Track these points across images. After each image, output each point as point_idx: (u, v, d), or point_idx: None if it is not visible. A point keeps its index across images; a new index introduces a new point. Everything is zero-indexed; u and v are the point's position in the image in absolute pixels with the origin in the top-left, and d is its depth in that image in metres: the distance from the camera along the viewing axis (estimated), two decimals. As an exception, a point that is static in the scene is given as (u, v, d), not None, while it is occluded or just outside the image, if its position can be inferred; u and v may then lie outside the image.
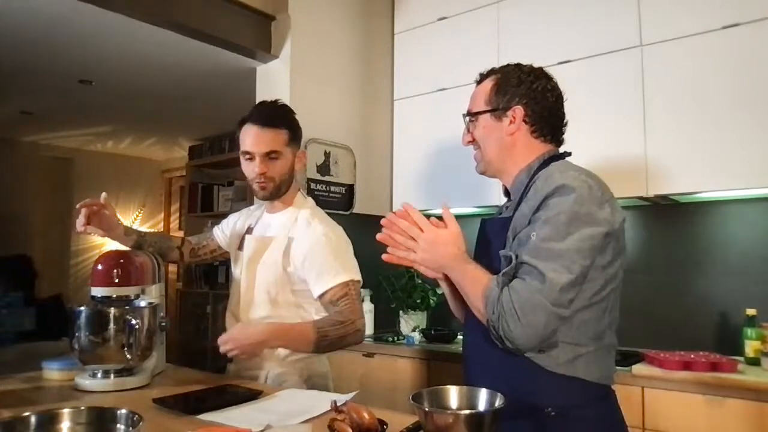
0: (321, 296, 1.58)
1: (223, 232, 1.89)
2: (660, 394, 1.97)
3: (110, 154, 6.00)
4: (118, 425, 0.95)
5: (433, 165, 2.95)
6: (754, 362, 2.04)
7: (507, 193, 1.33)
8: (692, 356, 2.04)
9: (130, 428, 0.93)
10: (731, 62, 2.14)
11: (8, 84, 3.72)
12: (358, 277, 1.61)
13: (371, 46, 3.22)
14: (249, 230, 1.79)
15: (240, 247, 1.77)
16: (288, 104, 1.77)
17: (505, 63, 1.35)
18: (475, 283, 1.16)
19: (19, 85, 3.79)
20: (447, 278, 1.26)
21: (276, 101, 1.73)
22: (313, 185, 2.84)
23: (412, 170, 3.04)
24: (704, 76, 2.19)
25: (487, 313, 1.12)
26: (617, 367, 2.08)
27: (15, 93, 3.98)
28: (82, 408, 1.00)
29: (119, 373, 1.50)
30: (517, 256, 1.12)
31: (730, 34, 2.14)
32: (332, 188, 2.96)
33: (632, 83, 2.35)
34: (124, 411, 0.96)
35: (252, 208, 1.89)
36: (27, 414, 0.95)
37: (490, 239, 1.25)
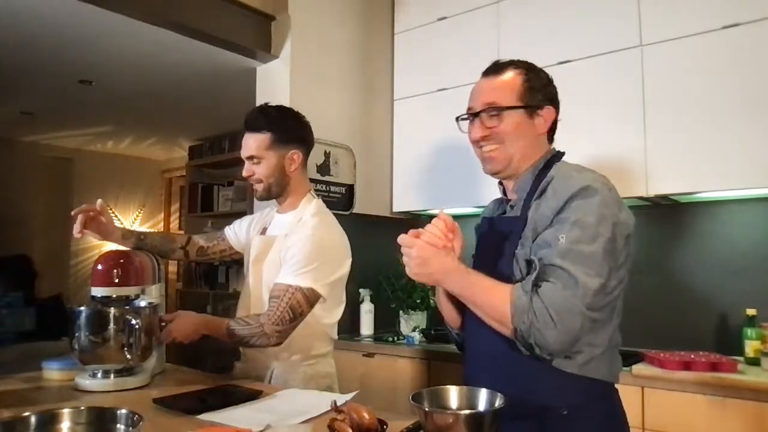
0: (274, 285, 1.60)
1: (235, 234, 1.90)
2: (660, 394, 1.97)
3: (110, 154, 6.00)
4: (118, 425, 0.95)
5: (433, 165, 2.95)
6: (754, 362, 2.04)
7: (504, 192, 1.32)
8: (692, 356, 2.04)
9: (130, 428, 0.93)
10: (731, 62, 2.14)
11: (8, 84, 3.72)
12: (311, 285, 1.55)
13: (371, 46, 3.22)
14: (263, 232, 1.80)
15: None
16: (286, 105, 1.79)
17: (508, 59, 1.33)
18: (493, 293, 1.10)
19: (19, 85, 3.79)
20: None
21: (266, 105, 1.75)
22: (313, 185, 2.83)
23: (412, 170, 3.04)
24: (704, 76, 2.19)
25: (515, 323, 1.06)
26: (617, 367, 2.09)
27: (15, 93, 3.98)
28: (82, 408, 1.00)
29: (119, 373, 1.50)
30: (539, 260, 1.09)
31: (730, 34, 2.14)
32: (332, 188, 2.96)
33: (632, 83, 2.35)
34: (124, 411, 0.96)
35: (267, 210, 1.90)
36: (27, 414, 0.94)
37: (499, 238, 1.21)
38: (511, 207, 1.28)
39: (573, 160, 1.29)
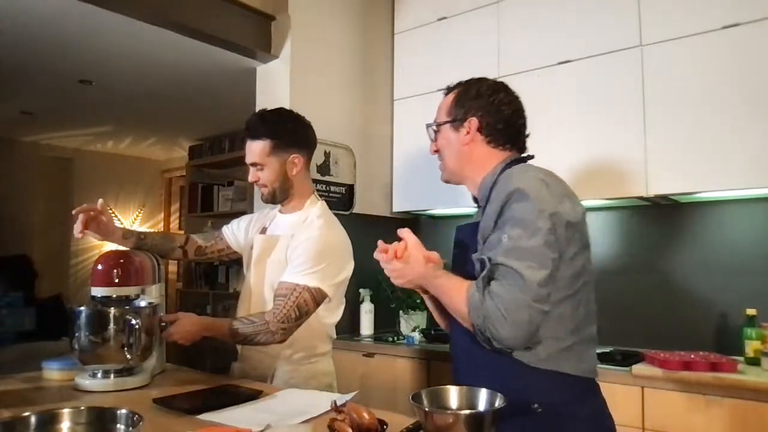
0: (279, 284, 1.62)
1: (233, 233, 1.90)
2: (660, 394, 1.97)
3: (110, 154, 6.00)
4: (118, 425, 0.95)
5: (432, 165, 2.92)
6: (754, 362, 2.04)
7: (475, 199, 1.38)
8: (692, 356, 2.04)
9: (130, 428, 0.93)
10: (731, 62, 2.14)
11: (8, 84, 3.72)
12: (318, 285, 1.59)
13: (371, 46, 3.22)
14: (263, 231, 1.81)
15: (252, 247, 1.80)
16: (285, 108, 1.80)
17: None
18: (453, 293, 1.20)
19: (19, 85, 3.79)
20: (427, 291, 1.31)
21: (265, 110, 1.77)
22: (314, 186, 2.84)
23: (412, 170, 3.04)
24: (704, 76, 2.19)
25: (471, 318, 1.15)
26: (617, 367, 2.09)
27: (15, 93, 3.98)
28: (82, 408, 1.00)
29: (119, 373, 1.50)
30: (489, 259, 1.15)
31: (730, 34, 2.14)
32: (332, 188, 2.96)
33: (632, 83, 2.35)
34: (124, 411, 0.96)
35: (267, 210, 1.91)
36: (27, 414, 0.94)
37: (464, 244, 1.30)
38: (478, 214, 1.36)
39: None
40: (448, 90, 1.41)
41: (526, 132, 1.37)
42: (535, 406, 1.15)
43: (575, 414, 1.17)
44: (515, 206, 1.15)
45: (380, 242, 1.25)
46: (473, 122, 1.32)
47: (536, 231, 1.12)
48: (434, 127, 1.39)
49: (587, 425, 1.19)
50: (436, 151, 1.40)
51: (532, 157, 1.36)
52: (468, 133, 1.32)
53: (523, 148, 1.36)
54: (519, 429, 1.13)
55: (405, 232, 1.24)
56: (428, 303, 1.38)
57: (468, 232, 1.30)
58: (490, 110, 1.32)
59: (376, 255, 1.24)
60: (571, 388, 1.18)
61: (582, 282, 1.21)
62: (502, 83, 1.37)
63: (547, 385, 1.16)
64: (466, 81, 1.39)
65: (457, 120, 1.34)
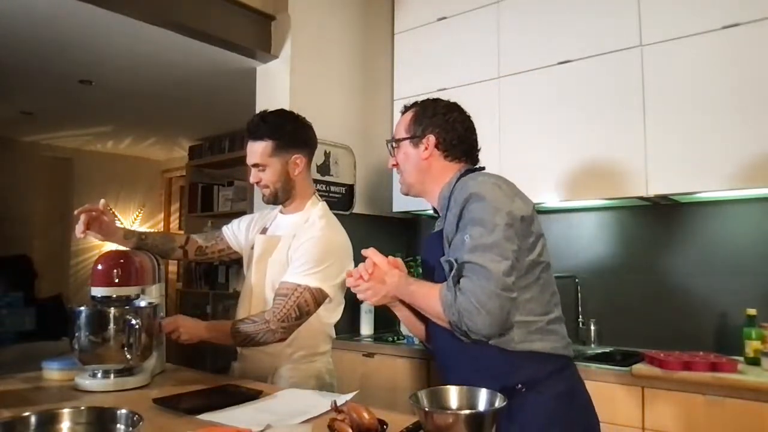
0: (281, 284, 1.63)
1: (233, 233, 1.91)
2: (660, 394, 1.97)
3: (110, 154, 5.99)
4: (118, 425, 0.95)
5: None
6: (754, 362, 2.04)
7: (435, 210, 1.47)
8: (692, 356, 2.04)
9: (130, 428, 0.93)
10: (731, 62, 2.14)
11: (8, 84, 3.72)
12: (320, 285, 1.60)
13: (371, 46, 3.22)
14: (264, 231, 1.82)
15: (253, 247, 1.80)
16: (286, 109, 1.80)
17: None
18: (427, 297, 1.29)
19: (19, 85, 3.79)
20: (399, 305, 1.40)
21: (266, 111, 1.77)
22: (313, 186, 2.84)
23: (412, 170, 3.03)
24: (704, 76, 2.19)
25: (447, 316, 1.24)
26: (617, 367, 2.09)
27: (15, 93, 3.98)
28: (82, 408, 1.00)
29: (119, 373, 1.50)
30: (456, 260, 1.25)
31: (730, 34, 2.14)
32: (332, 188, 2.96)
33: (632, 83, 2.34)
34: (124, 411, 0.96)
35: (267, 210, 1.91)
36: (27, 414, 0.94)
37: (432, 253, 1.40)
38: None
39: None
40: (405, 109, 1.51)
41: (478, 147, 1.48)
42: (519, 386, 1.25)
43: (552, 388, 1.27)
44: (473, 207, 1.26)
45: (346, 271, 1.39)
46: (431, 139, 1.42)
47: (494, 227, 1.23)
48: (393, 143, 1.49)
49: (563, 400, 1.28)
50: (395, 165, 1.49)
51: (483, 168, 1.46)
52: (426, 148, 1.42)
53: (475, 161, 1.48)
54: (506, 410, 1.15)
55: (369, 252, 1.34)
56: (400, 315, 1.46)
57: (433, 242, 1.40)
58: (446, 128, 1.43)
59: (348, 282, 1.36)
60: (544, 364, 1.28)
61: (541, 268, 1.31)
62: (455, 103, 1.49)
63: (525, 365, 1.26)
64: (422, 101, 1.49)
65: (416, 137, 1.44)
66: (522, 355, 1.26)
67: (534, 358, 1.27)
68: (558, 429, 1.27)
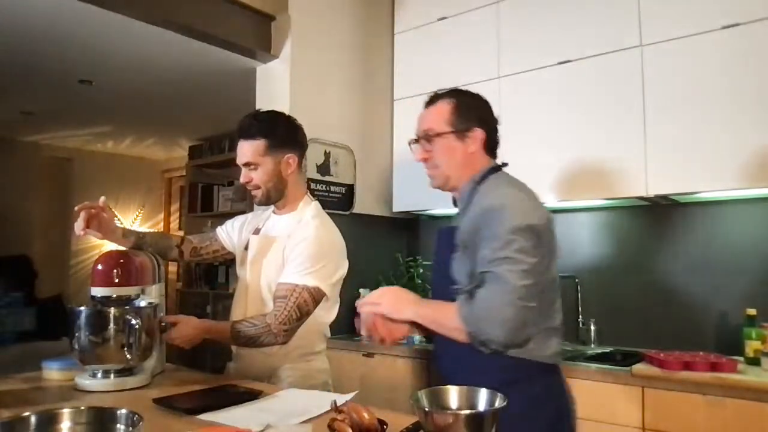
0: (278, 285, 1.63)
1: (227, 234, 1.91)
2: (660, 394, 1.97)
3: (110, 154, 5.99)
4: (118, 425, 0.95)
5: (433, 165, 2.94)
6: (754, 362, 2.04)
7: (454, 201, 1.48)
8: (692, 356, 2.04)
9: (130, 428, 0.93)
10: (731, 62, 2.14)
11: (8, 84, 3.72)
12: (317, 284, 1.60)
13: (371, 46, 3.22)
14: (257, 232, 1.81)
15: (247, 248, 1.80)
16: (277, 110, 1.80)
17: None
18: (443, 314, 1.30)
19: (19, 85, 3.79)
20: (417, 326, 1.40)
21: (258, 111, 1.77)
22: (313, 185, 2.84)
23: (412, 170, 3.03)
24: (704, 76, 2.19)
25: (467, 328, 1.24)
26: (617, 367, 2.10)
27: (15, 93, 3.98)
28: (82, 408, 0.99)
29: (119, 373, 1.49)
30: (476, 272, 1.26)
31: (730, 34, 2.14)
32: (332, 188, 2.96)
33: (632, 83, 2.35)
34: (124, 411, 0.96)
35: (260, 210, 1.90)
36: (27, 414, 0.94)
37: (445, 246, 1.41)
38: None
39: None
40: (432, 99, 1.46)
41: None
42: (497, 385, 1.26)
43: (528, 389, 1.28)
44: (491, 222, 1.27)
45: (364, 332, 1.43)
46: (480, 133, 1.41)
47: (512, 241, 1.23)
48: (430, 136, 1.43)
49: (539, 399, 1.30)
50: (425, 159, 1.45)
51: (506, 164, 1.46)
52: (475, 141, 1.40)
53: (496, 156, 1.48)
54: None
55: (364, 309, 1.38)
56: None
57: (447, 236, 1.40)
58: (489, 122, 1.43)
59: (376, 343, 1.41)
60: (529, 367, 1.29)
61: (549, 280, 1.32)
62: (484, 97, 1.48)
63: (508, 368, 1.27)
64: (454, 92, 1.45)
65: (460, 130, 1.40)
66: (510, 358, 1.27)
67: (523, 362, 1.28)
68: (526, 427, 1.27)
